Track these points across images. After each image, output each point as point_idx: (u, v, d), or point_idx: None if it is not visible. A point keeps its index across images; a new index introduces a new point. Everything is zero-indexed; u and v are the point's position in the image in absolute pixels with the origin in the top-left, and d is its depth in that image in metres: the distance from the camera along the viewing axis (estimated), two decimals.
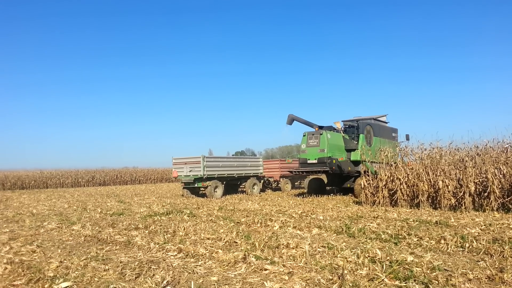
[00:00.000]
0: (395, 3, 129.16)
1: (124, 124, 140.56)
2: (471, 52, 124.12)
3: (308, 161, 17.24)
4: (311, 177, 20.64)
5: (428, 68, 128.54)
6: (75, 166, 49.58)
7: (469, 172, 10.87)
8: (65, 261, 5.92)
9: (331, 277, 4.64)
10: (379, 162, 13.87)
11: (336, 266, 5.11)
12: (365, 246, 6.34)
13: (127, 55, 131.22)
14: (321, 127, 18.10)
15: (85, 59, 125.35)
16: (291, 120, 19.21)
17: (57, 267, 5.60)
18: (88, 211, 13.72)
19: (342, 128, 18.84)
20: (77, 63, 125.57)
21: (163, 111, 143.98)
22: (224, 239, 7.14)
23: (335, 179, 18.60)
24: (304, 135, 17.65)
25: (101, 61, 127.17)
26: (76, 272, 5.25)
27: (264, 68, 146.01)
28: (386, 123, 20.60)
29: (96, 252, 6.59)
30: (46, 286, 4.64)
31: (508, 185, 10.34)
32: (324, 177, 20.20)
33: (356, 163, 17.09)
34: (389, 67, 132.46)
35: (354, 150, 17.47)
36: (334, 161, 16.32)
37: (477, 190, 10.72)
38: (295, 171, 18.54)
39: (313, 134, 17.34)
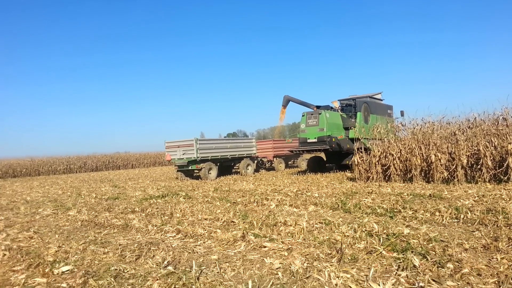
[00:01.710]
0: None
1: (114, 109, 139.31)
2: (468, 26, 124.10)
3: (308, 140, 17.48)
4: (310, 155, 20.96)
5: (421, 44, 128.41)
6: (66, 152, 49.18)
7: (461, 145, 10.98)
8: (63, 246, 5.91)
9: (330, 252, 4.70)
10: (375, 139, 13.98)
11: (334, 241, 5.17)
12: (361, 221, 6.42)
13: (117, 40, 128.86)
14: (318, 107, 18.23)
15: (74, 45, 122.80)
16: (287, 101, 19.38)
17: (56, 251, 5.59)
18: (83, 196, 13.68)
19: (339, 107, 18.93)
20: (66, 50, 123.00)
21: (153, 95, 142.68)
22: (221, 219, 7.17)
23: (334, 157, 18.83)
24: (303, 115, 17.83)
25: (91, 47, 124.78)
26: (76, 256, 5.25)
27: (254, 49, 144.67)
28: (381, 100, 20.70)
29: (94, 236, 6.59)
30: (46, 270, 4.64)
31: (499, 157, 10.47)
32: (322, 155, 20.42)
33: (355, 140, 17.29)
34: (382, 43, 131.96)
35: (352, 128, 17.65)
36: (333, 140, 16.56)
37: (469, 162, 10.85)
38: (295, 150, 18.81)
39: (312, 114, 17.53)
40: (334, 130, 17.19)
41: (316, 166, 19.12)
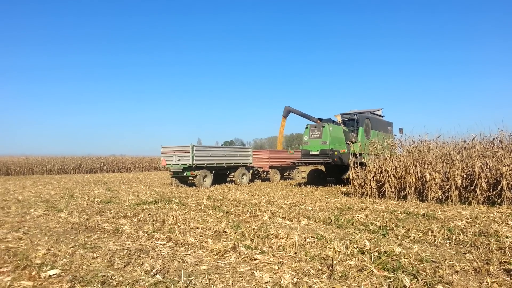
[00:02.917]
0: None
1: (112, 111, 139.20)
2: (466, 46, 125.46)
3: (311, 153, 17.53)
4: (306, 167, 21.08)
5: (421, 62, 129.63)
6: (61, 152, 49.08)
7: (456, 165, 11.01)
8: (52, 249, 5.84)
9: (320, 267, 4.67)
10: (375, 154, 14.04)
11: (326, 257, 5.14)
12: (353, 237, 6.39)
13: (116, 41, 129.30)
14: (321, 120, 18.33)
15: (74, 44, 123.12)
16: (288, 112, 19.50)
17: (45, 254, 5.53)
18: (75, 198, 13.58)
19: (342, 121, 19.05)
20: (65, 49, 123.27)
21: (152, 99, 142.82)
22: (213, 229, 7.13)
23: (334, 170, 18.87)
24: (306, 127, 17.91)
25: (89, 48, 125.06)
26: (64, 260, 5.19)
27: (254, 58, 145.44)
28: (382, 116, 20.85)
29: (84, 240, 6.52)
30: (33, 273, 4.57)
31: (493, 179, 10.51)
32: (323, 168, 20.50)
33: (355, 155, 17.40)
34: (383, 60, 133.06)
35: (353, 142, 17.74)
36: (336, 153, 16.61)
37: (464, 183, 10.86)
38: (297, 162, 18.89)
39: (315, 127, 17.61)
40: (336, 144, 17.28)
41: (316, 179, 19.16)
